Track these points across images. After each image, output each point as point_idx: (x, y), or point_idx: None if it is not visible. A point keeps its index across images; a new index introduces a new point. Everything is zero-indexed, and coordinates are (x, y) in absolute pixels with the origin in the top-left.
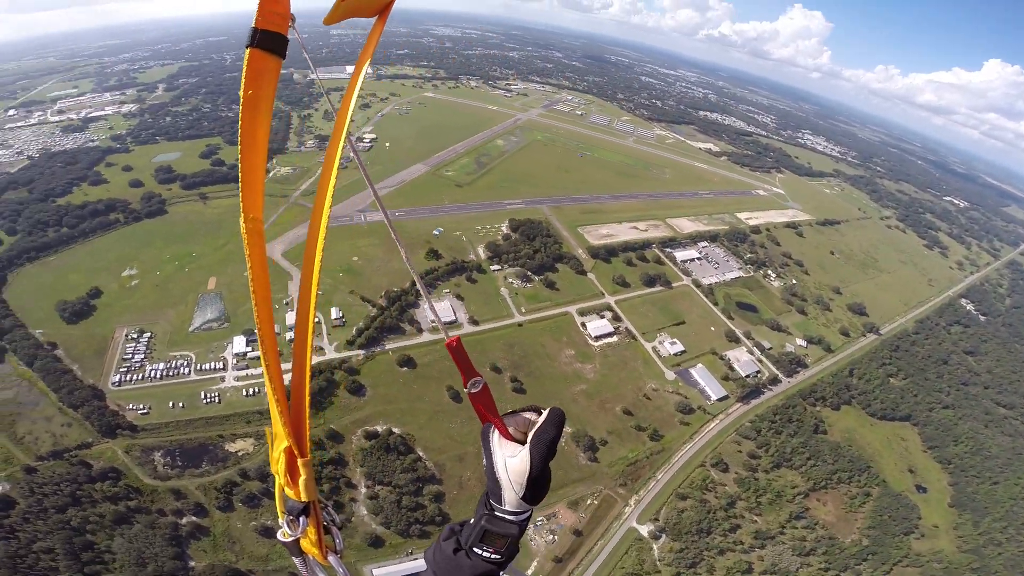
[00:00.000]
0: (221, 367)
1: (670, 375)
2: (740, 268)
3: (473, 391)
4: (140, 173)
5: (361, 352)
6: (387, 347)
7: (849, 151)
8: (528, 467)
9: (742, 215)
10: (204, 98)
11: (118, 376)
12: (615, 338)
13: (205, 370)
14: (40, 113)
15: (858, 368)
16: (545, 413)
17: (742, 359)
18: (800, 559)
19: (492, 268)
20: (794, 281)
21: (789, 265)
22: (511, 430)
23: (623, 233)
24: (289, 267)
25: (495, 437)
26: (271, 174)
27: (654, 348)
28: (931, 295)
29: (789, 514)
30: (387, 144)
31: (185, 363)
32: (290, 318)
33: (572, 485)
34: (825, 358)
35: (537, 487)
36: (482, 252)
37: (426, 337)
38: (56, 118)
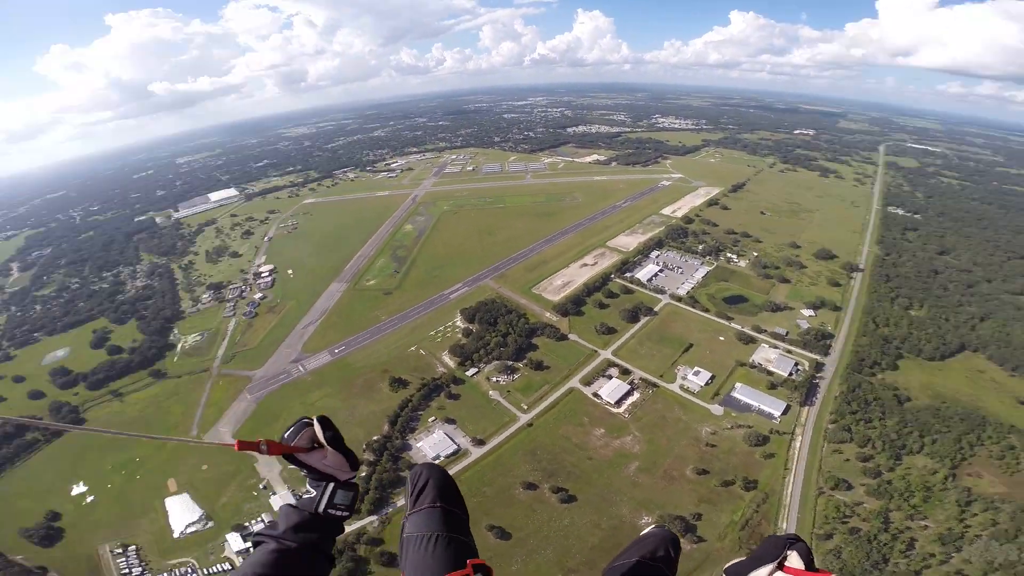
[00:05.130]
0: (230, 567)
1: (717, 409)
2: (702, 263)
3: (264, 451)
4: (35, 381)
5: (374, 518)
6: (398, 504)
7: (699, 120)
8: (343, 458)
9: (666, 211)
10: (68, 270)
11: None
12: (636, 394)
13: (214, 573)
14: None
15: (876, 315)
16: (315, 422)
17: (772, 358)
18: (1014, 545)
19: (468, 373)
20: (755, 253)
21: (740, 240)
22: (302, 444)
23: (577, 276)
24: (209, 437)
25: (299, 457)
26: (178, 347)
27: (681, 387)
28: (864, 215)
29: (956, 503)
30: (289, 271)
31: (189, 569)
32: (275, 502)
33: None
34: (841, 319)
35: (355, 461)
36: (449, 360)
37: None
38: None
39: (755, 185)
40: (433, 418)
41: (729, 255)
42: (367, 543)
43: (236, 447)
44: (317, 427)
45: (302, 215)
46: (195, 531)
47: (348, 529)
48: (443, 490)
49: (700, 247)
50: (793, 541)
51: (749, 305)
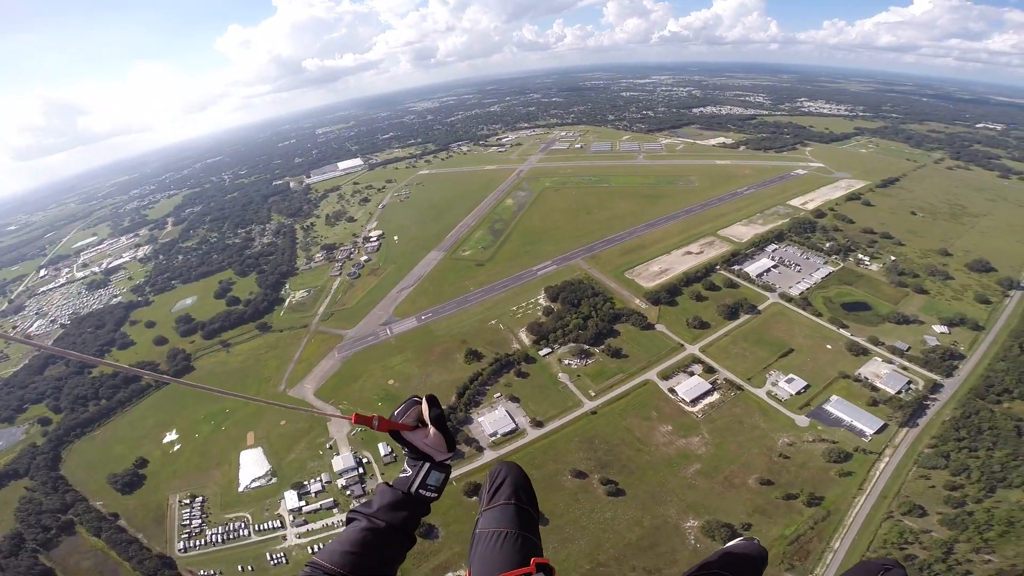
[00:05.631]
0: (279, 525)
1: (802, 420)
2: (825, 262)
3: (375, 427)
4: (162, 327)
5: None
6: (449, 477)
7: (855, 106)
8: (443, 439)
9: (795, 202)
10: (210, 227)
11: (182, 543)
12: (716, 395)
13: (264, 530)
14: (67, 269)
15: None
16: (424, 400)
17: (883, 373)
18: None
19: (542, 353)
20: (892, 258)
21: (877, 241)
22: (409, 422)
23: (678, 264)
24: (325, 407)
25: (403, 434)
26: (285, 302)
27: (769, 393)
28: None
29: None
30: (395, 238)
31: (242, 524)
32: (337, 463)
33: None
34: (979, 339)
35: (452, 443)
36: (525, 337)
37: (488, 456)
38: (81, 274)
39: (912, 182)
40: (499, 394)
41: (861, 256)
42: None
43: (352, 419)
44: (424, 405)
45: (415, 185)
46: (258, 486)
47: None
48: (519, 488)
49: (827, 244)
50: (889, 567)
51: (871, 314)
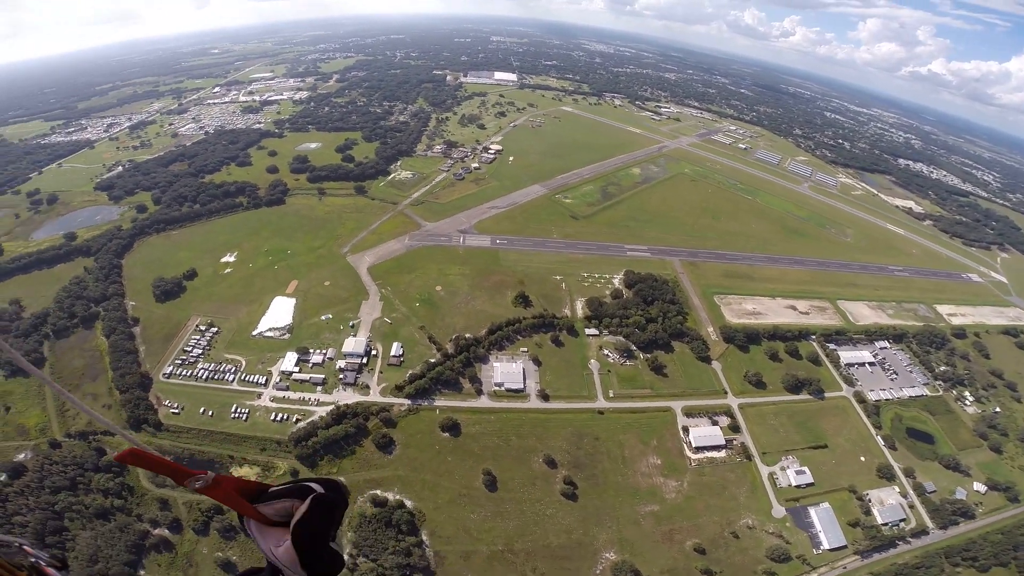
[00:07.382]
0: (263, 382)
1: (779, 511)
2: (926, 384)
3: (197, 486)
4: (280, 159)
5: (407, 403)
6: (436, 403)
7: None
8: (296, 557)
9: (943, 308)
10: (364, 92)
11: (171, 368)
12: (723, 453)
13: (248, 381)
14: (235, 92)
15: None
16: (307, 502)
17: (888, 502)
18: None
19: (587, 332)
20: (997, 409)
21: (996, 387)
22: (271, 512)
23: (775, 312)
24: (370, 284)
25: (253, 525)
26: (389, 176)
27: (771, 475)
28: None
29: None
30: (511, 159)
31: (233, 369)
32: (348, 344)
33: None
34: (1004, 508)
35: (317, 567)
36: (580, 308)
37: (484, 402)
38: (244, 98)
39: None
40: (525, 349)
41: (966, 395)
42: (382, 420)
43: (121, 455)
44: (302, 508)
45: (552, 118)
46: (271, 337)
47: (377, 399)
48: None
49: (941, 368)
50: None
51: (928, 448)
